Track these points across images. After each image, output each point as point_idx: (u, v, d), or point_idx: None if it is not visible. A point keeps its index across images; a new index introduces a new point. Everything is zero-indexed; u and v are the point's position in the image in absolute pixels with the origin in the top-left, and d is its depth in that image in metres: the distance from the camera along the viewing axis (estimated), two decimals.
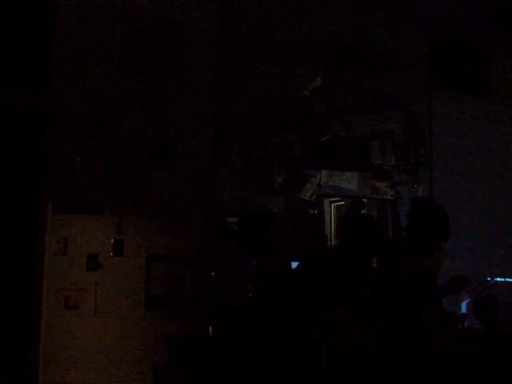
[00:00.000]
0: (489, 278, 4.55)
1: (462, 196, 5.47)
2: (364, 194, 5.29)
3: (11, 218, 4.58)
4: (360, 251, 3.99)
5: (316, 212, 5.22)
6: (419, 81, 5.55)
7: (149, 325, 4.65)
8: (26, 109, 4.68)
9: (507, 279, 4.84)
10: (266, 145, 5.07)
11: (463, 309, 4.15)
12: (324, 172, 5.20)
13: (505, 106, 5.77)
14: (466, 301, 4.13)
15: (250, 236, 4.68)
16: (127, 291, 4.65)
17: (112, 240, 4.66)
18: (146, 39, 4.86)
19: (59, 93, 4.66)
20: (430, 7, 5.52)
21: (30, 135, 4.68)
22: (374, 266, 4.16)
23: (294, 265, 4.56)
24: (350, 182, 5.26)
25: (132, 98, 4.78)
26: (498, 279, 4.75)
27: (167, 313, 4.68)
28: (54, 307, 4.50)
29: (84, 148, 4.66)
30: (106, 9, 4.79)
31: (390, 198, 5.32)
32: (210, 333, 4.17)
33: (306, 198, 5.14)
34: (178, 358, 4.27)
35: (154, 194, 4.78)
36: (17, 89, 4.60)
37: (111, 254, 4.65)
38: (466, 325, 4.05)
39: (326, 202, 5.33)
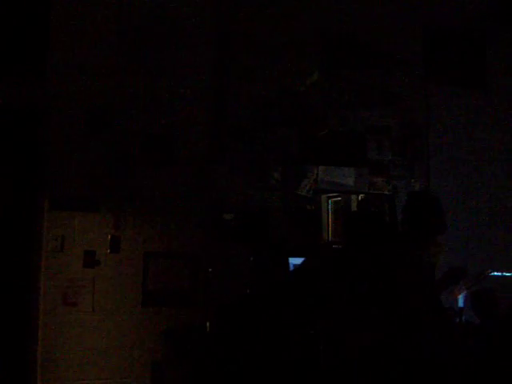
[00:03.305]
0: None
1: (459, 190, 5.47)
2: (361, 189, 5.30)
3: (8, 215, 4.58)
4: (369, 249, 3.96)
5: (313, 208, 5.22)
6: (416, 75, 5.54)
7: (146, 321, 4.65)
8: (23, 106, 4.67)
9: (504, 273, 4.84)
10: (263, 141, 5.07)
11: (460, 303, 4.15)
12: (321, 167, 5.20)
13: (501, 101, 5.77)
14: (463, 293, 4.13)
15: (247, 232, 4.69)
16: (124, 288, 4.65)
17: (109, 237, 4.66)
18: (142, 36, 4.85)
19: (56, 90, 4.65)
20: (426, 1, 5.52)
21: (26, 133, 4.67)
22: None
23: (292, 260, 4.56)
24: (347, 177, 5.26)
25: (129, 95, 4.78)
26: (496, 273, 4.75)
27: (165, 309, 4.68)
28: (51, 304, 4.50)
29: (81, 145, 4.66)
30: (103, 5, 4.78)
31: (387, 193, 5.33)
32: (208, 329, 4.18)
33: (304, 194, 5.14)
34: (176, 354, 4.28)
35: (151, 190, 4.77)
36: (13, 86, 4.60)
37: (108, 250, 4.65)
38: (463, 319, 4.06)
39: (324, 197, 5.32)
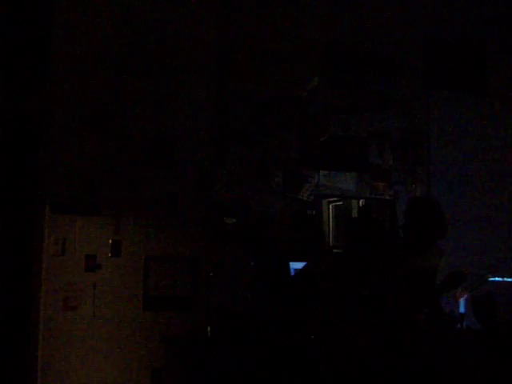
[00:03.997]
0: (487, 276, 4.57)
1: (459, 195, 5.47)
2: (362, 194, 5.30)
3: (9, 218, 4.58)
4: (368, 255, 3.97)
5: (314, 212, 5.22)
6: (416, 81, 5.55)
7: (147, 326, 4.64)
8: (24, 110, 4.67)
9: (505, 279, 4.84)
10: (264, 145, 5.07)
11: (461, 308, 4.15)
12: (322, 172, 5.21)
13: (501, 106, 5.78)
14: (464, 296, 4.14)
15: (248, 236, 4.69)
16: (125, 292, 4.64)
17: (110, 241, 4.65)
18: (143, 40, 4.85)
19: (57, 94, 4.66)
20: (427, 7, 5.53)
21: (27, 136, 4.68)
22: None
23: (292, 265, 4.56)
24: (348, 182, 5.26)
25: (130, 99, 4.78)
26: (497, 279, 4.76)
27: (165, 314, 4.68)
28: (52, 308, 4.49)
29: (82, 149, 4.66)
30: (104, 9, 4.79)
31: (388, 197, 5.33)
32: (209, 334, 4.17)
33: (304, 199, 5.15)
34: (176, 360, 4.27)
35: (153, 194, 4.77)
36: (15, 90, 4.60)
37: (109, 254, 4.64)
38: (464, 324, 4.06)
39: (325, 202, 5.33)
